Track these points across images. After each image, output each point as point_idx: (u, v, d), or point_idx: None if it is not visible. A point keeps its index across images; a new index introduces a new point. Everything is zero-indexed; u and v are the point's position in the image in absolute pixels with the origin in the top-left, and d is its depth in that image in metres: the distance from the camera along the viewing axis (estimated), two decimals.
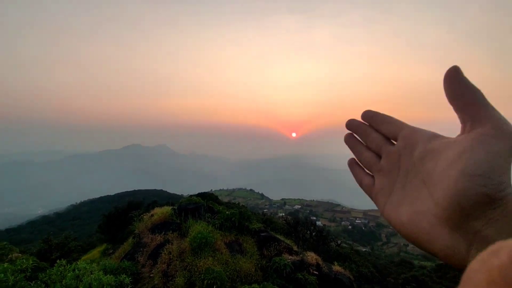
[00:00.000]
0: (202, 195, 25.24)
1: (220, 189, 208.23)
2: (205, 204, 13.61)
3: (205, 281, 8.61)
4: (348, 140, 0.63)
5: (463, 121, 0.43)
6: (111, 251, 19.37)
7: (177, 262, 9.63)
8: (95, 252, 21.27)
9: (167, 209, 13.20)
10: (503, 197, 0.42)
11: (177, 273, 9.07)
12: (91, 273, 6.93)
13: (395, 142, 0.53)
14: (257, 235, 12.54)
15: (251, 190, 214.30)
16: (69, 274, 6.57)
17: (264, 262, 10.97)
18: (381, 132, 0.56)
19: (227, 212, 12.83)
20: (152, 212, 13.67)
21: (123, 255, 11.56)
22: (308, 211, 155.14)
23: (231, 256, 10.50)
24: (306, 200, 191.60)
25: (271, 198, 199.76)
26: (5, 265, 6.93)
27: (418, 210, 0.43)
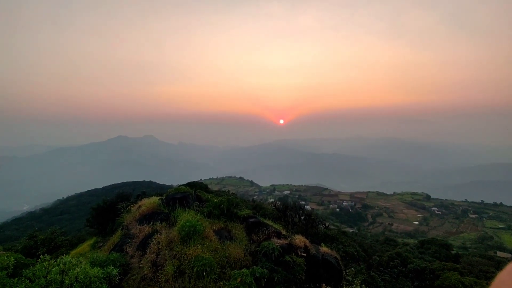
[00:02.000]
0: (191, 184, 25.19)
1: (210, 178, 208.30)
2: (193, 193, 13.60)
3: (195, 269, 8.71)
4: None
5: None
6: (100, 244, 19.24)
7: (166, 252, 9.67)
8: (84, 246, 21.07)
9: (154, 199, 13.13)
10: None
11: (166, 262, 9.12)
12: (77, 266, 6.88)
13: None
14: (246, 221, 12.69)
15: (240, 177, 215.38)
16: (53, 269, 6.50)
17: (253, 247, 11.16)
18: None
19: (215, 200, 12.88)
20: (139, 203, 13.57)
21: (111, 247, 11.52)
22: (297, 196, 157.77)
23: (220, 243, 10.62)
24: (295, 186, 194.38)
25: (260, 184, 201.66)
26: None
27: None
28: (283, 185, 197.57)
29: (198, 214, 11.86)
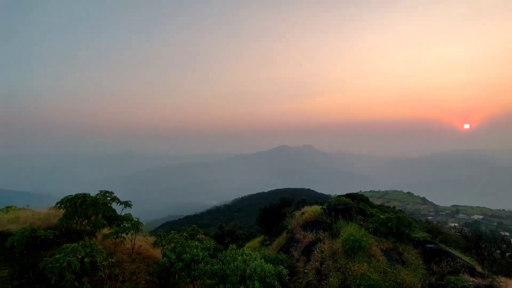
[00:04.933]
0: (351, 196, 24.19)
1: (371, 190, 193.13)
2: (355, 206, 12.90)
3: (361, 287, 8.09)
4: None
5: None
6: (267, 243, 21.59)
7: (330, 262, 9.54)
8: (255, 242, 24.34)
9: (316, 208, 13.41)
10: None
11: (331, 273, 8.98)
12: (255, 260, 7.93)
13: None
14: (422, 246, 10.69)
15: (408, 192, 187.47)
16: (239, 258, 7.78)
17: (434, 279, 9.19)
18: None
19: (382, 216, 11.64)
20: (302, 210, 14.27)
21: (279, 248, 12.62)
22: (495, 224, 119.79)
23: (389, 265, 9.42)
24: (491, 210, 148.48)
25: (436, 203, 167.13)
26: (196, 243, 8.97)
27: None
28: (472, 207, 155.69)
29: (362, 229, 11.06)
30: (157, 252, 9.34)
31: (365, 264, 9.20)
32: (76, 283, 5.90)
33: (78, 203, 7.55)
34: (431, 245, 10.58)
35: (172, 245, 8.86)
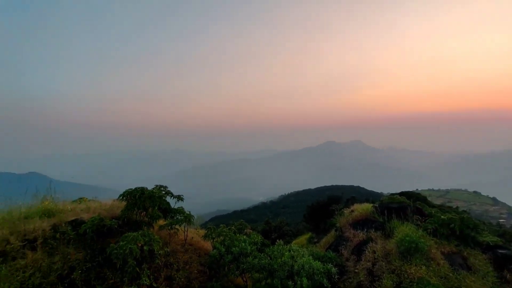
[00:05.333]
0: (406, 194, 22.57)
1: (429, 189, 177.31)
2: (411, 205, 11.97)
3: None
4: None
5: None
6: (315, 240, 21.23)
7: (383, 263, 9.01)
8: (302, 239, 24.11)
9: (367, 206, 12.77)
10: None
11: (384, 274, 8.48)
12: (303, 256, 7.84)
13: None
14: (492, 251, 9.52)
15: (475, 192, 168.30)
16: (286, 253, 7.78)
17: None
18: None
19: (442, 217, 10.62)
20: (352, 207, 13.69)
21: (327, 246, 12.30)
22: None
23: (452, 271, 8.57)
24: None
25: (510, 204, 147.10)
26: (244, 237, 9.18)
27: None
28: None
29: (420, 230, 10.21)
30: (208, 244, 9.78)
31: (423, 267, 8.49)
32: (137, 269, 6.46)
33: (137, 196, 8.24)
34: (504, 251, 9.35)
35: (222, 238, 9.19)
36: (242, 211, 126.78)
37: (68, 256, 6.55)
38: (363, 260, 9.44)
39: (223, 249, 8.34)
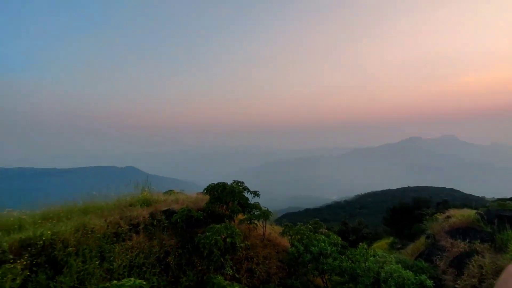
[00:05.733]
0: None
1: None
2: None
3: None
4: None
5: None
6: (399, 246, 19.29)
7: (493, 281, 7.54)
8: (382, 243, 22.21)
9: (469, 212, 10.90)
10: None
11: None
12: (391, 263, 7.10)
13: None
14: None
15: None
16: (371, 258, 7.15)
17: None
18: None
19: None
20: (447, 213, 11.90)
21: (416, 254, 10.97)
22: None
23: None
24: None
25: None
26: (323, 237, 8.84)
27: None
28: None
29: None
30: (285, 241, 9.77)
31: None
32: (222, 259, 6.84)
33: (219, 190, 8.74)
34: None
35: (299, 236, 9.05)
36: (315, 209, 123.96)
37: (164, 242, 7.36)
38: (465, 275, 8.07)
39: (302, 248, 8.19)
